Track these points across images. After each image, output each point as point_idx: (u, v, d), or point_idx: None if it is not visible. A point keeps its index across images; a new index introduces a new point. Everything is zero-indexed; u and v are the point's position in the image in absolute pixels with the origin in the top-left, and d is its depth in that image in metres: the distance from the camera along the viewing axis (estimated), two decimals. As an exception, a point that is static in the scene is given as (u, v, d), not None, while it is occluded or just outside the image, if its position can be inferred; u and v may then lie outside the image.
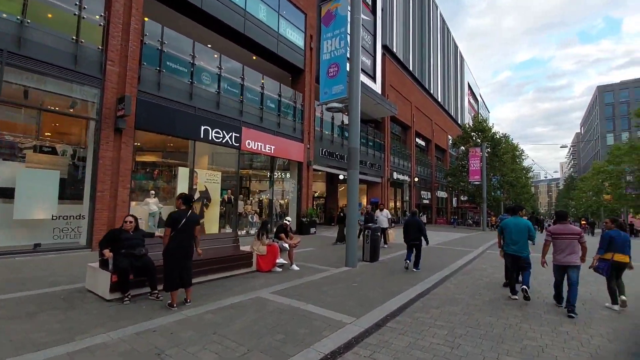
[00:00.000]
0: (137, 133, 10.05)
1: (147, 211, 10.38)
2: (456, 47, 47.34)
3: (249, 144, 12.91)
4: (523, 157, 37.53)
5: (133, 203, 10.13)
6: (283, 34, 15.05)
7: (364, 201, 24.60)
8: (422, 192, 32.01)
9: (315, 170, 17.63)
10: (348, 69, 8.05)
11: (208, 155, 13.23)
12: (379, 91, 22.72)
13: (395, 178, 25.95)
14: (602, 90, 69.63)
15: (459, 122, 44.32)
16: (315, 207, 20.54)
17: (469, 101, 52.15)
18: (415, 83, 30.84)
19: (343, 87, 8.10)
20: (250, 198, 15.22)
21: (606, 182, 34.87)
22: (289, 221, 7.46)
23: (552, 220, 36.10)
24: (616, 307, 5.13)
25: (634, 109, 63.54)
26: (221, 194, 12.36)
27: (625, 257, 5.11)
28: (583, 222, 31.38)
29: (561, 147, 35.35)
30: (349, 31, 7.90)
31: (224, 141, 11.90)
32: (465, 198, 35.81)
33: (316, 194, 25.43)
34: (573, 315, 4.70)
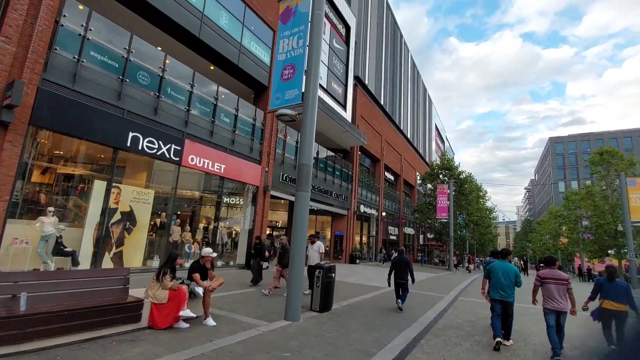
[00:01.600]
0: (42, 134, 7.95)
1: (40, 233, 7.97)
2: (425, 89, 49.29)
3: (192, 160, 11.00)
4: (486, 198, 38.06)
5: (23, 222, 7.77)
6: (247, 46, 13.82)
7: (328, 234, 22.86)
8: (389, 227, 30.89)
9: (274, 197, 15.85)
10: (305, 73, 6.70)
11: (147, 171, 11.14)
12: (349, 120, 21.92)
13: (362, 211, 24.62)
14: (554, 142, 75.29)
15: (427, 160, 44.97)
16: (270, 239, 18.46)
17: (437, 141, 53.73)
18: (385, 117, 30.77)
19: (298, 92, 6.70)
20: (194, 225, 13.01)
21: (563, 226, 35.79)
22: (209, 255, 5.53)
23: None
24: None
25: (581, 159, 68.87)
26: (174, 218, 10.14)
27: (617, 305, 5.06)
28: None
29: (525, 188, 36.16)
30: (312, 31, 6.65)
31: (158, 153, 9.94)
32: (432, 236, 35.18)
33: (278, 224, 23.39)
34: (559, 357, 4.64)
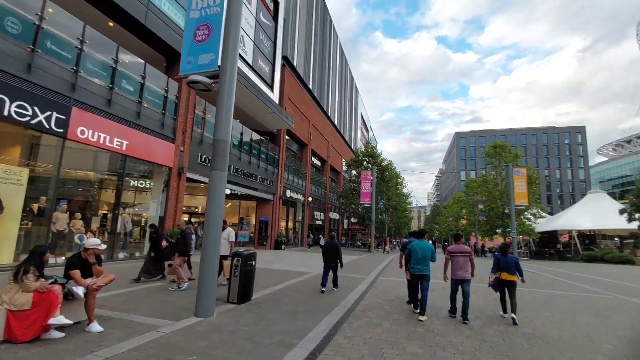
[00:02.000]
0: None
1: None
2: (352, 78, 50.71)
3: (83, 133, 9.08)
4: (404, 185, 41.32)
5: None
6: (156, 4, 11.88)
7: (252, 219, 22.00)
8: (315, 212, 31.29)
9: (191, 180, 14.37)
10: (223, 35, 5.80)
11: (20, 145, 8.87)
12: (277, 101, 21.08)
13: (288, 196, 24.28)
14: (459, 136, 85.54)
15: (353, 147, 46.67)
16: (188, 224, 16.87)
17: (362, 130, 56.15)
18: (314, 102, 30.62)
19: (214, 57, 5.77)
20: (89, 211, 10.97)
21: (463, 210, 40.96)
22: (96, 246, 4.44)
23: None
24: (506, 315, 6.11)
25: (479, 152, 79.59)
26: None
27: (509, 276, 6.04)
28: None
29: (436, 176, 40.14)
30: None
31: (33, 122, 7.90)
32: (356, 220, 36.91)
33: (198, 210, 21.61)
34: (467, 321, 5.60)
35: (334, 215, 37.94)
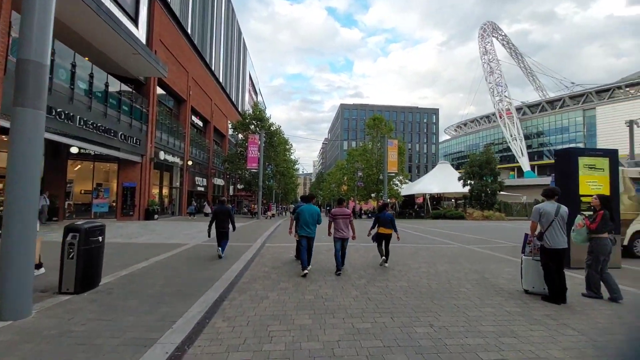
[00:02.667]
0: None
1: None
2: (240, 33, 46.54)
3: None
4: (292, 151, 41.65)
5: None
6: None
7: (114, 185, 18.30)
8: (197, 178, 28.45)
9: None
10: None
11: None
12: (143, 42, 17.22)
13: (162, 159, 21.04)
14: (343, 108, 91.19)
15: (240, 109, 43.82)
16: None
17: (250, 92, 53.14)
18: (194, 53, 26.72)
19: None
20: None
21: (345, 177, 44.39)
22: None
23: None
24: (385, 264, 7.21)
25: (360, 124, 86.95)
26: None
27: (386, 229, 7.23)
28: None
29: (323, 142, 41.42)
30: None
31: None
32: (242, 186, 35.47)
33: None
34: (340, 272, 6.37)
35: (219, 181, 35.56)
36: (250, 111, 31.42)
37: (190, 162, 25.24)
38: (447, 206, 36.60)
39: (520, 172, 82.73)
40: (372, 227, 7.53)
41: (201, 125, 30.30)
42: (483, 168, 30.39)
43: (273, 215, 32.42)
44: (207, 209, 27.34)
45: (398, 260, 7.80)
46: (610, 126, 71.96)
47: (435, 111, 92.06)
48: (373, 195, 33.85)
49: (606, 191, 7.38)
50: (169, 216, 22.68)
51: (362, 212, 34.96)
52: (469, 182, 31.35)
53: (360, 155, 34.92)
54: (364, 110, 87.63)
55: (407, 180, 36.99)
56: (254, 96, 54.62)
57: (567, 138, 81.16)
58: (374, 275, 6.34)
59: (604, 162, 7.44)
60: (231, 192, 41.38)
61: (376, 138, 33.56)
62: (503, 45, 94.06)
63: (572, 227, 6.58)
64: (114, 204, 18.08)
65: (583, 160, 7.36)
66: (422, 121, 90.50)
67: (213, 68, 33.35)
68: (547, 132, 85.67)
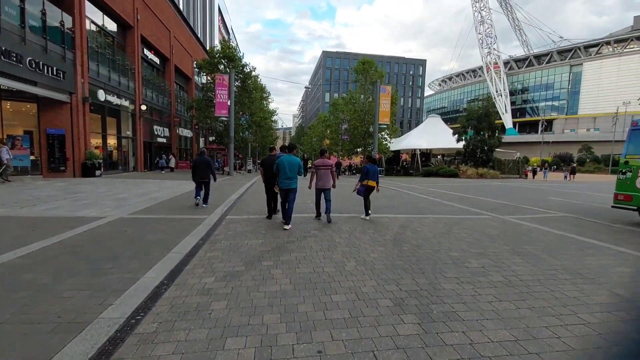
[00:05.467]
0: None
1: None
2: (207, -46, 38.66)
3: None
4: (270, 100, 36.99)
5: None
6: None
7: (37, 134, 14.10)
8: (156, 127, 24.04)
9: None
10: None
11: None
12: None
13: (103, 100, 16.61)
14: (326, 55, 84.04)
15: (208, 49, 37.77)
16: None
17: (221, 31, 46.21)
18: (142, -36, 20.81)
19: None
20: None
21: (328, 130, 40.75)
22: None
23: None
24: (367, 217, 7.18)
25: (344, 75, 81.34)
26: None
27: (374, 182, 7.15)
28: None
29: (305, 87, 37.12)
30: None
31: None
32: (213, 138, 31.26)
33: None
34: (330, 219, 6.63)
35: (185, 132, 31.10)
36: (219, 47, 26.24)
37: (144, 107, 20.72)
38: (439, 163, 34.33)
39: (502, 130, 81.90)
40: (360, 181, 7.24)
41: (158, 62, 25.09)
42: (481, 122, 27.66)
43: (249, 170, 29.05)
44: (172, 163, 23.49)
45: (437, 254, 4.87)
46: (595, 83, 70.77)
47: (422, 62, 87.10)
48: (359, 149, 30.76)
49: None
50: (118, 172, 18.76)
51: (348, 168, 31.84)
52: (463, 137, 28.77)
53: (346, 105, 31.09)
54: (347, 59, 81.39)
55: (395, 135, 33.96)
56: (225, 36, 47.61)
57: (551, 95, 79.79)
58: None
59: None
60: (202, 145, 37.03)
61: (365, 85, 29.60)
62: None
63: None
64: (38, 159, 14.00)
65: None
66: (408, 73, 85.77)
67: (171, -8, 27.13)
68: (531, 89, 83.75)
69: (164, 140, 25.76)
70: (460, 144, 29.39)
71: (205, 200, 8.26)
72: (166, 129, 26.01)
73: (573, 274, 4.02)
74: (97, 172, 15.61)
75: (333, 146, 37.54)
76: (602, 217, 8.35)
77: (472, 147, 28.14)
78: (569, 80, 76.66)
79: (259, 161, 38.99)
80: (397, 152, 36.96)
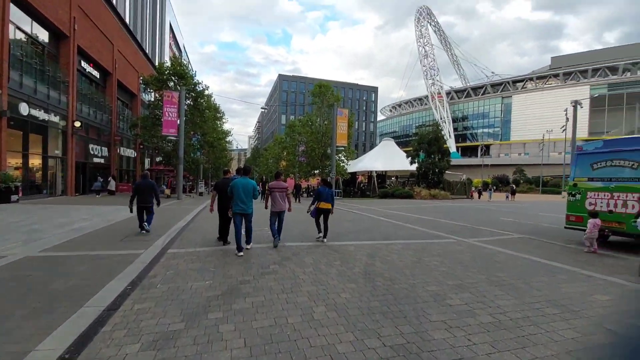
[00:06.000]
0: None
1: None
2: (158, -30, 37.46)
3: None
4: (224, 120, 35.67)
5: None
6: None
7: None
8: (92, 145, 21.58)
9: None
10: None
11: None
12: None
13: (25, 114, 14.47)
14: (282, 79, 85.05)
15: (156, 63, 35.83)
16: None
17: (172, 48, 44.44)
18: (83, -29, 19.24)
19: None
20: None
21: (285, 151, 40.24)
22: None
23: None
24: (324, 239, 7.17)
25: (300, 98, 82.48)
26: None
27: (327, 204, 7.18)
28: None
29: (261, 108, 36.58)
30: None
31: None
32: (161, 159, 28.98)
33: None
34: (277, 245, 6.53)
35: (128, 152, 28.49)
36: (169, 63, 24.79)
37: (77, 124, 18.46)
38: (395, 184, 35.25)
39: (447, 153, 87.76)
40: (312, 203, 7.37)
41: (98, 76, 22.93)
42: (432, 145, 29.07)
43: (201, 193, 27.20)
44: (112, 185, 21.06)
45: (414, 289, 4.37)
46: (523, 113, 79.77)
47: (374, 89, 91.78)
48: (317, 171, 30.50)
49: None
50: (42, 197, 16.19)
51: (301, 190, 31.12)
52: (416, 160, 29.93)
53: (303, 127, 30.97)
54: (303, 83, 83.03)
55: (352, 157, 34.41)
56: (176, 52, 45.79)
57: (487, 123, 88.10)
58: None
59: None
60: (148, 166, 34.22)
61: (322, 108, 29.84)
62: (435, 32, 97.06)
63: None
64: None
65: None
66: (361, 99, 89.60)
67: (117, 5, 25.51)
68: (470, 117, 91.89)
69: (102, 160, 23.20)
70: (414, 166, 30.49)
71: (149, 222, 7.69)
72: (105, 149, 23.52)
73: (558, 306, 3.72)
74: (14, 197, 13.23)
75: (290, 168, 36.95)
76: (555, 237, 8.62)
77: (424, 169, 29.30)
78: (502, 110, 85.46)
79: (212, 183, 37.01)
80: (354, 174, 37.42)
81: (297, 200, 21.08)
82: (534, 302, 3.83)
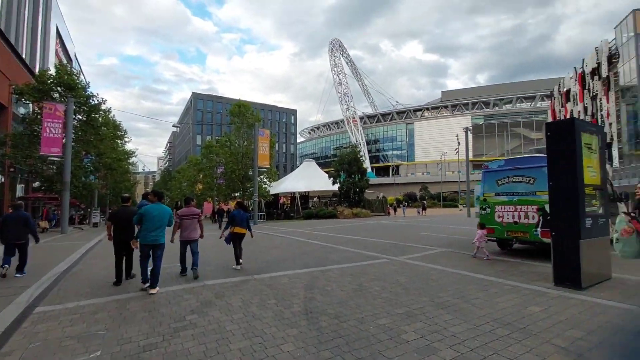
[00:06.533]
0: None
1: None
2: (42, -34, 32.08)
3: None
4: (126, 139, 31.39)
5: None
6: None
7: None
8: None
9: None
10: None
11: None
12: None
13: None
14: (196, 97, 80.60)
15: (37, 71, 29.97)
16: None
17: (59, 55, 38.00)
18: None
19: None
20: None
21: (201, 174, 37.37)
22: None
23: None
24: (238, 267, 6.76)
25: (216, 118, 79.08)
26: None
27: (243, 229, 6.89)
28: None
29: (173, 126, 33.43)
30: None
31: None
32: (39, 184, 23.63)
33: None
34: (197, 275, 5.94)
35: (-9, 177, 22.52)
36: (53, 70, 20.73)
37: None
38: (318, 205, 35.49)
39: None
40: (226, 228, 7.02)
41: (-55, 80, 17.83)
42: (352, 165, 30.33)
43: (95, 224, 22.95)
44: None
45: (364, 325, 3.86)
46: (424, 138, 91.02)
47: (294, 112, 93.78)
48: (237, 194, 28.81)
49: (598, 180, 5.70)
50: None
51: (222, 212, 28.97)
52: (337, 180, 30.79)
53: (221, 148, 29.22)
54: (220, 103, 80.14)
55: (275, 179, 33.69)
56: (64, 59, 39.28)
57: (396, 145, 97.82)
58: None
59: (595, 142, 5.73)
60: (21, 193, 27.61)
61: (242, 128, 28.70)
62: (347, 63, 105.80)
63: (614, 236, 4.51)
64: None
65: (584, 138, 5.38)
66: (281, 120, 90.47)
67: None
68: (381, 140, 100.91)
69: (-53, 188, 17.68)
70: (336, 186, 31.26)
71: (21, 268, 6.40)
72: (-47, 173, 18.05)
73: (505, 325, 3.62)
74: None
75: (207, 191, 34.34)
76: (470, 249, 9.28)
77: (346, 188, 30.24)
78: (406, 134, 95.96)
79: (110, 210, 31.79)
80: (277, 196, 36.61)
81: (220, 226, 19.33)
82: (483, 324, 3.67)
